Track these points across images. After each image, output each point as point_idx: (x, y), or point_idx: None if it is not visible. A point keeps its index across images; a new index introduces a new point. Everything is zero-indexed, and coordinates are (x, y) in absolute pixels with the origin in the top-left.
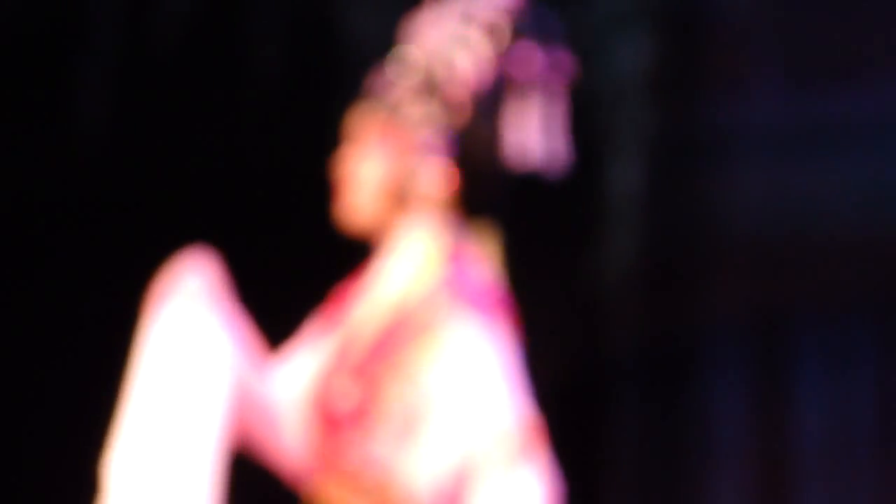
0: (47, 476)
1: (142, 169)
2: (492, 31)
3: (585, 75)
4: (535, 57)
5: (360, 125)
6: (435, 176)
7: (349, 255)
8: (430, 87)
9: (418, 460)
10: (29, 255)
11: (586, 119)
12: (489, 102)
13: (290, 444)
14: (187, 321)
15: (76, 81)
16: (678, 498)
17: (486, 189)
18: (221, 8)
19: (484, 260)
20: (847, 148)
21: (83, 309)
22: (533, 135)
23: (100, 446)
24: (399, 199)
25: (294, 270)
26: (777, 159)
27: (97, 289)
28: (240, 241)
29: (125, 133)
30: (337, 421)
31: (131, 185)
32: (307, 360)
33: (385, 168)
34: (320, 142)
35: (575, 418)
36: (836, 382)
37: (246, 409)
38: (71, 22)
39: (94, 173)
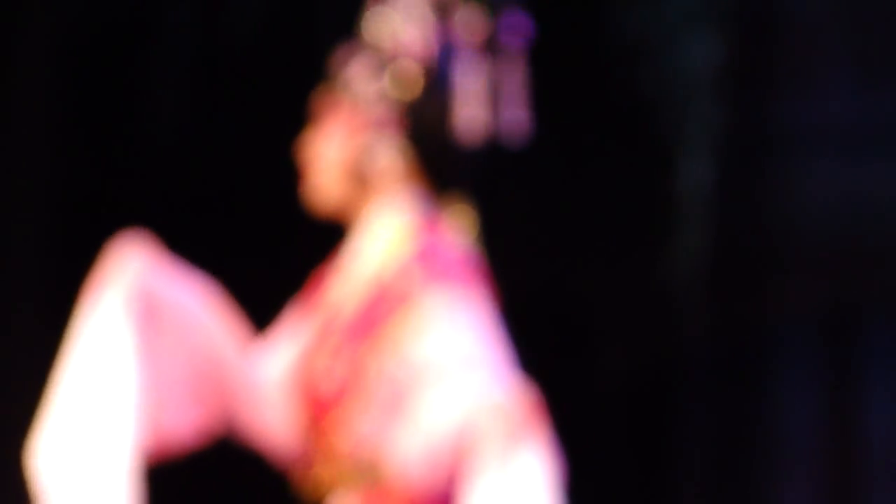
0: None
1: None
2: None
3: (657, 73)
4: (484, 22)
5: (320, 106)
6: (391, 152)
7: (326, 240)
8: (380, 63)
9: (409, 436)
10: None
11: (658, 117)
12: (440, 73)
13: (277, 428)
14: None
15: (151, 80)
16: (747, 496)
17: (445, 161)
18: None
19: (456, 231)
20: None
21: None
22: (489, 102)
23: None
24: (359, 177)
25: (273, 259)
26: (848, 156)
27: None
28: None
29: (201, 130)
30: (322, 402)
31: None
32: (288, 345)
33: (342, 148)
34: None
35: (645, 417)
36: None
37: (231, 389)
38: (145, 21)
39: (171, 168)
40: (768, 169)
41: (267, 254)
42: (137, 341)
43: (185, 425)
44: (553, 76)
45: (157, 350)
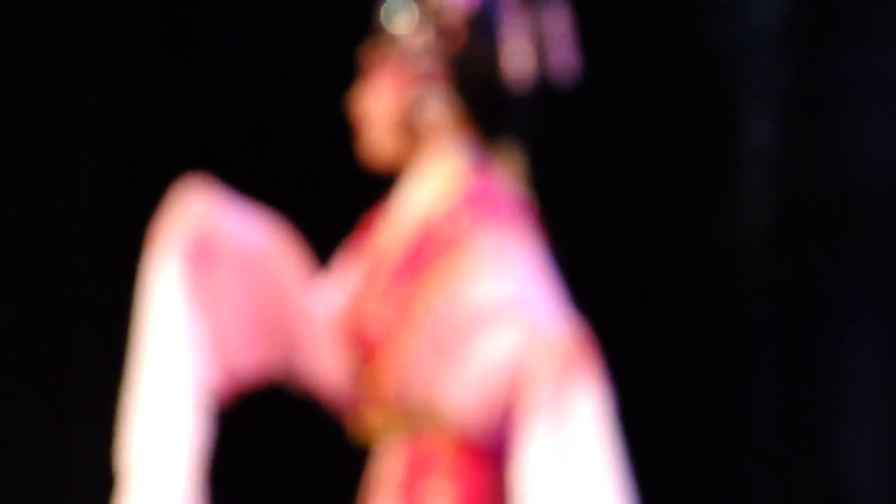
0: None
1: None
2: None
3: (720, 27)
4: None
5: (368, 61)
6: (440, 104)
7: (375, 187)
8: (425, 16)
9: (460, 377)
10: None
11: (721, 70)
12: (485, 22)
13: (333, 368)
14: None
15: (211, 31)
16: (812, 449)
17: (494, 110)
18: None
19: (505, 175)
20: None
21: None
22: (535, 49)
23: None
24: (410, 130)
25: (328, 203)
26: None
27: None
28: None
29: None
30: (371, 344)
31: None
32: (338, 288)
33: (392, 102)
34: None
35: (709, 373)
36: None
37: (294, 326)
38: None
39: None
40: (832, 122)
41: (322, 199)
42: (196, 285)
43: (252, 362)
44: (617, 28)
45: (221, 289)
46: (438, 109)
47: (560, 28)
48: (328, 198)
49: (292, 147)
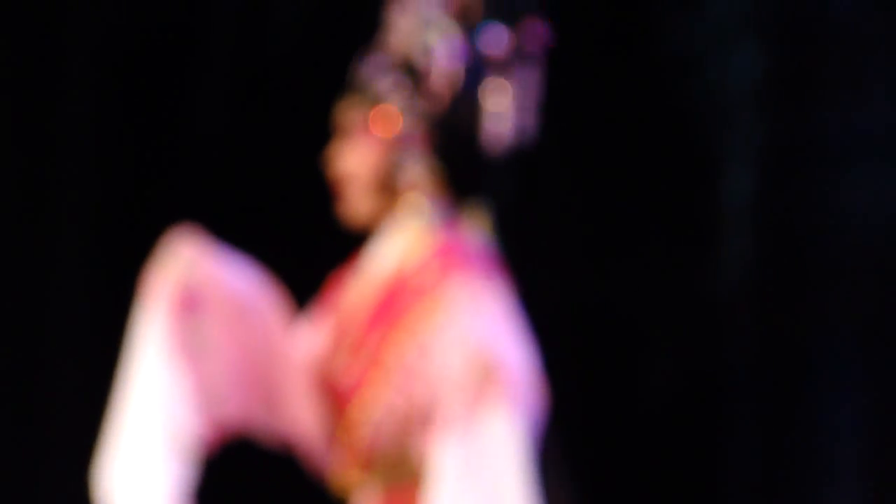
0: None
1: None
2: (464, 13)
3: (700, 83)
4: (507, 35)
5: (344, 119)
6: (420, 166)
7: (343, 244)
8: (409, 77)
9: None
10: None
11: (701, 126)
12: (466, 86)
13: (307, 421)
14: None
15: (192, 85)
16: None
17: (469, 171)
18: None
19: (474, 230)
20: None
21: None
22: (510, 111)
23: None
24: (389, 189)
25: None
26: (892, 166)
27: None
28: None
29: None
30: (344, 396)
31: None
32: (308, 344)
33: (372, 161)
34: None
35: (689, 424)
36: None
37: (276, 377)
38: (186, 27)
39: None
40: (812, 179)
41: (294, 255)
42: (182, 333)
43: (237, 410)
44: (595, 86)
45: (207, 337)
46: (417, 171)
47: (531, 88)
48: (300, 251)
49: (269, 201)
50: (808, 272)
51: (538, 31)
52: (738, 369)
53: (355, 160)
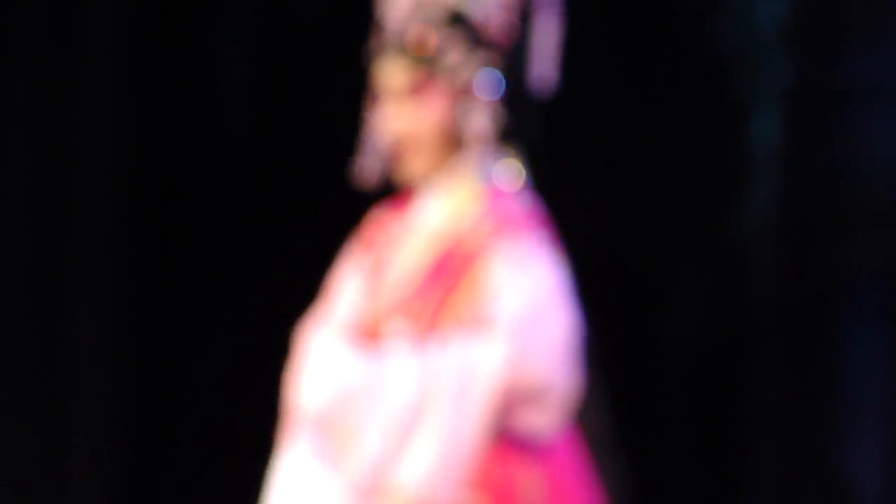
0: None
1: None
2: None
3: (727, 28)
4: None
5: (392, 79)
6: (484, 117)
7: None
8: (467, 32)
9: None
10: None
11: (727, 72)
12: (518, 34)
13: None
14: None
15: (217, 48)
16: (817, 457)
17: (521, 118)
18: None
19: (519, 185)
20: None
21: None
22: (548, 57)
23: None
24: (452, 144)
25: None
26: None
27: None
28: None
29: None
30: None
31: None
32: (351, 293)
33: (437, 117)
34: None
35: (715, 375)
36: None
37: None
38: None
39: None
40: (838, 124)
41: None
42: None
43: None
44: (619, 31)
45: None
46: (482, 122)
47: (555, 33)
48: (327, 210)
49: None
50: (836, 220)
51: None
52: (763, 314)
53: (416, 118)
